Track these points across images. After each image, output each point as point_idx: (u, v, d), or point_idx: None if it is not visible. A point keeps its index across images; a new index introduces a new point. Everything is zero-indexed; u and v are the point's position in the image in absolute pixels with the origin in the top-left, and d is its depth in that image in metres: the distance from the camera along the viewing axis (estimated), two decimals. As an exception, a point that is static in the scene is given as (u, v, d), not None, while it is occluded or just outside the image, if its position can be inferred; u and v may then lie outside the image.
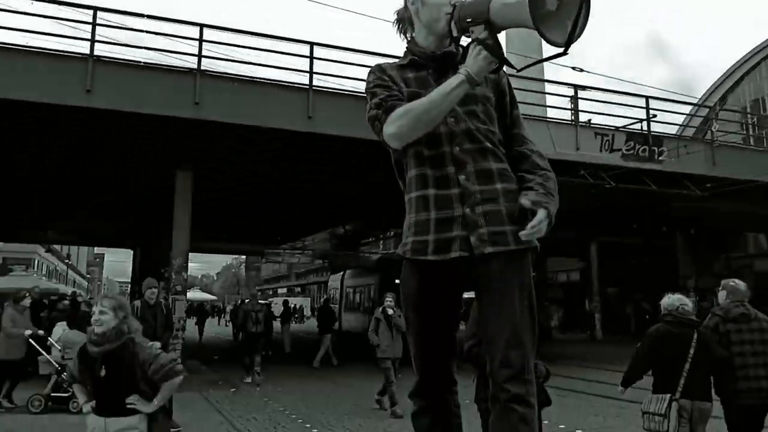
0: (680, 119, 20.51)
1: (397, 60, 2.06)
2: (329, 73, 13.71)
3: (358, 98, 11.57)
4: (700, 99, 27.74)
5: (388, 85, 1.88)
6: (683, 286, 21.51)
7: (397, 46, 2.31)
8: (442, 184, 1.82)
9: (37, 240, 34.50)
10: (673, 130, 17.10)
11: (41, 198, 18.65)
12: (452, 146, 1.86)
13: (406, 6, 2.03)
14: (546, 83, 23.10)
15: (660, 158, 14.75)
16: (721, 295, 4.62)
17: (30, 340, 8.54)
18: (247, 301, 13.72)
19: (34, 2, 10.86)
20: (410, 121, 1.80)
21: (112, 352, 3.28)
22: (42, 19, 10.92)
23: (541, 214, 1.78)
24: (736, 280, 4.63)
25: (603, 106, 15.68)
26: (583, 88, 17.93)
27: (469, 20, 1.76)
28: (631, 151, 14.52)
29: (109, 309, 3.33)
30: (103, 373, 3.28)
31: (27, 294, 9.32)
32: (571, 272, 33.58)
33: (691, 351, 4.21)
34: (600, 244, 26.08)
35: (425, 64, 1.96)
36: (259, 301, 13.53)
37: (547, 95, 21.59)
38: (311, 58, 12.00)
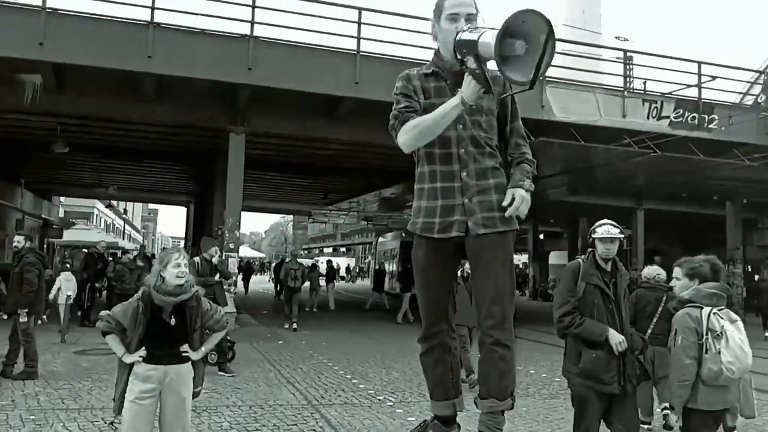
0: (738, 87, 19.83)
1: (425, 65, 2.41)
2: (376, 38, 13.87)
3: (404, 63, 11.80)
4: (762, 65, 26.58)
5: (410, 95, 2.27)
6: (731, 257, 21.20)
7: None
8: (447, 178, 2.23)
9: (97, 196, 36.17)
10: (729, 98, 16.63)
11: (102, 156, 19.66)
12: (459, 148, 2.25)
13: (432, 23, 2.39)
14: (601, 49, 22.64)
15: (710, 126, 14.50)
16: None
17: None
18: (287, 260, 16.40)
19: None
20: (416, 135, 2.26)
21: (184, 302, 3.48)
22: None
23: (517, 196, 2.17)
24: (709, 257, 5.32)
25: (654, 72, 15.44)
26: (633, 53, 17.62)
27: (464, 51, 2.12)
28: (680, 119, 14.32)
29: (185, 262, 3.53)
30: (172, 321, 3.45)
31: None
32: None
33: (660, 308, 5.69)
34: (647, 212, 25.70)
35: (445, 76, 2.32)
36: (298, 260, 15.60)
37: (599, 61, 21.25)
38: (359, 23, 12.25)
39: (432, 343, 2.32)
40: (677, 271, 3.86)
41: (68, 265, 12.07)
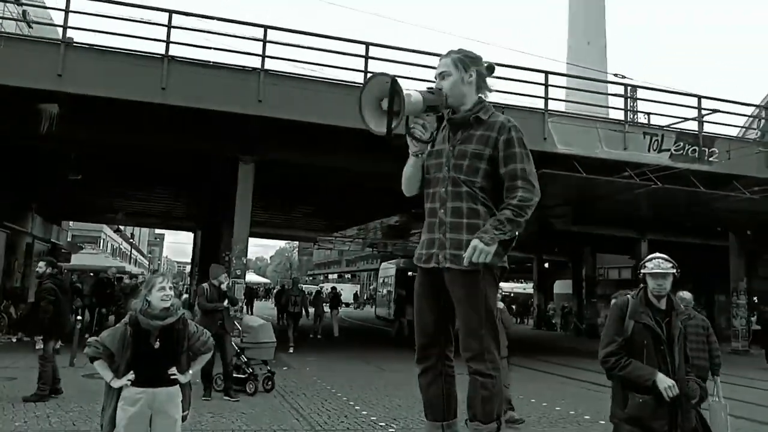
0: (738, 121, 20.16)
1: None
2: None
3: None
4: (763, 101, 26.92)
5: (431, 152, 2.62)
6: (734, 288, 21.25)
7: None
8: (432, 214, 2.49)
9: (106, 221, 36.55)
10: (729, 131, 16.89)
11: (114, 182, 20.04)
12: (440, 188, 2.48)
13: None
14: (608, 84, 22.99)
15: (710, 159, 14.74)
16: None
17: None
18: (288, 288, 18.27)
19: (114, 5, 11.86)
20: (403, 182, 2.70)
21: (171, 326, 3.54)
22: (119, 20, 11.91)
23: (471, 246, 2.34)
24: (684, 292, 6.46)
25: (655, 106, 15.76)
26: (635, 86, 17.97)
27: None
28: (680, 152, 14.56)
29: (170, 286, 3.61)
30: (157, 345, 3.49)
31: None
32: (623, 269, 33.22)
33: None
34: (651, 243, 25.83)
35: (445, 124, 2.58)
36: (299, 287, 17.36)
37: (600, 95, 21.63)
38: (366, 57, 12.65)
39: (425, 365, 2.51)
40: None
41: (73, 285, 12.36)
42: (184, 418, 3.61)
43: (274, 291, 39.71)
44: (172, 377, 3.51)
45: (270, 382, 8.60)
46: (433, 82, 2.61)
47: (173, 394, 3.53)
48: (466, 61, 2.57)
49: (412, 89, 2.45)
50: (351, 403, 8.19)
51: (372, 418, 7.30)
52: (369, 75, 2.45)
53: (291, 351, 13.95)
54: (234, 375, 8.27)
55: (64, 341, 8.09)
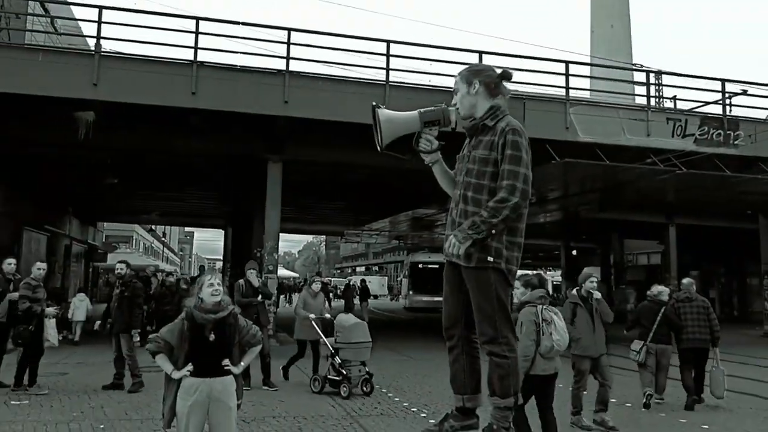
0: (763, 103, 19.84)
1: None
2: (403, 69, 14.47)
3: (432, 92, 12.41)
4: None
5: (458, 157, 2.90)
6: (766, 271, 21.03)
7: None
8: (450, 214, 2.80)
9: (139, 221, 37.53)
10: (755, 114, 16.74)
11: (147, 185, 20.67)
12: (457, 190, 2.78)
13: None
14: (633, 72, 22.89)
15: (735, 142, 14.68)
16: None
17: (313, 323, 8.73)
18: (313, 278, 18.75)
19: (143, 14, 12.33)
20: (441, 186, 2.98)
21: (223, 319, 3.82)
22: (149, 29, 12.37)
23: (449, 239, 2.65)
24: (686, 278, 8.66)
25: (679, 91, 15.73)
26: (659, 73, 17.91)
27: None
28: (705, 136, 14.54)
29: (218, 282, 3.90)
30: (212, 337, 3.77)
31: (314, 278, 9.88)
32: (652, 255, 32.92)
33: (659, 318, 7.76)
34: (679, 227, 25.63)
35: (467, 134, 2.86)
36: (321, 279, 17.35)
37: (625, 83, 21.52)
38: (388, 55, 12.92)
39: (450, 345, 2.82)
40: (517, 283, 4.92)
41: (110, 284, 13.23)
42: (238, 407, 3.89)
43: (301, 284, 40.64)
44: (225, 368, 3.77)
45: (368, 384, 8.14)
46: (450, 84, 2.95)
47: (228, 384, 3.79)
48: (469, 75, 2.82)
49: (407, 111, 2.79)
50: (384, 390, 8.52)
51: (404, 404, 7.63)
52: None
53: None
54: (329, 377, 8.17)
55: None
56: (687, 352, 8.00)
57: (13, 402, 7.14)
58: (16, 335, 7.76)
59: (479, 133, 2.78)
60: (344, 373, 7.97)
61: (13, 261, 8.30)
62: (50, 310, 7.99)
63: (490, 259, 2.62)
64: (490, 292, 2.61)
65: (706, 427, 6.78)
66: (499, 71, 2.91)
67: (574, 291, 6.82)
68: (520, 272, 4.24)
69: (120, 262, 8.83)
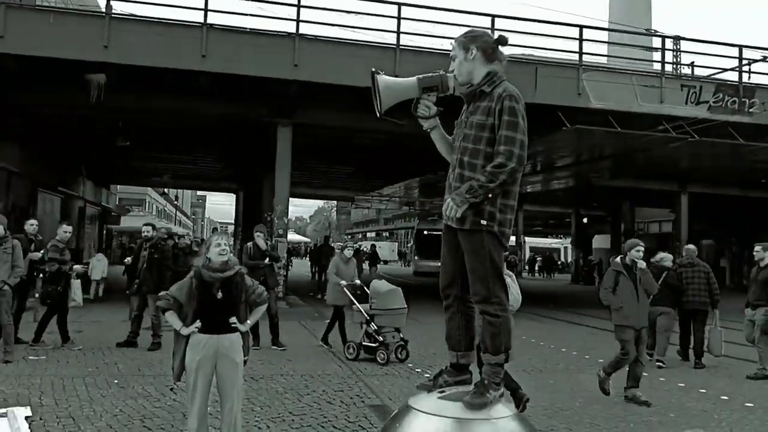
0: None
1: None
2: (415, 32, 14.29)
3: (443, 55, 12.29)
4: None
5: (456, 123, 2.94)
6: (777, 239, 20.90)
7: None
8: (447, 179, 2.84)
9: (152, 184, 37.83)
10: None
11: (159, 147, 20.81)
12: (454, 155, 2.83)
13: None
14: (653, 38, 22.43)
15: (750, 110, 14.47)
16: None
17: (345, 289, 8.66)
18: (320, 244, 22.11)
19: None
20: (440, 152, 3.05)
21: (230, 278, 3.95)
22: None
23: (446, 201, 2.71)
24: (689, 245, 9.66)
25: (695, 57, 15.44)
26: (679, 38, 17.56)
27: None
28: (720, 103, 14.33)
29: (227, 243, 4.04)
30: (220, 295, 3.91)
31: (348, 244, 9.65)
32: (664, 223, 32.75)
33: (659, 282, 7.63)
34: (692, 195, 25.46)
35: (465, 100, 2.90)
36: (329, 243, 20.72)
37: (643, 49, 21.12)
38: (399, 18, 12.78)
39: (446, 304, 2.94)
40: None
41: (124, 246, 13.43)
42: (244, 362, 4.04)
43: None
44: (233, 325, 3.92)
45: (404, 351, 8.05)
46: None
47: (235, 341, 3.94)
48: (466, 41, 2.82)
49: (405, 78, 2.82)
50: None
51: (409, 365, 7.82)
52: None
53: (321, 297, 15.49)
54: (363, 343, 8.06)
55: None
56: (688, 314, 8.67)
57: (31, 357, 7.40)
58: (45, 295, 8.08)
59: (476, 99, 2.81)
60: (381, 339, 7.85)
61: (35, 222, 8.60)
62: (77, 267, 8.27)
63: (484, 222, 2.68)
64: (484, 254, 2.69)
65: (704, 391, 6.92)
66: (495, 37, 2.93)
67: (618, 258, 6.54)
68: None
69: (146, 224, 9.12)
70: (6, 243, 7.20)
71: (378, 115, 2.80)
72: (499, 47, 2.87)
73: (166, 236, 9.57)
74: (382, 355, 7.78)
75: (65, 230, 8.30)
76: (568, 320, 14.14)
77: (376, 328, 7.92)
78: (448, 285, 2.90)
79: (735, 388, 7.09)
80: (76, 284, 8.32)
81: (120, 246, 33.80)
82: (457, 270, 2.84)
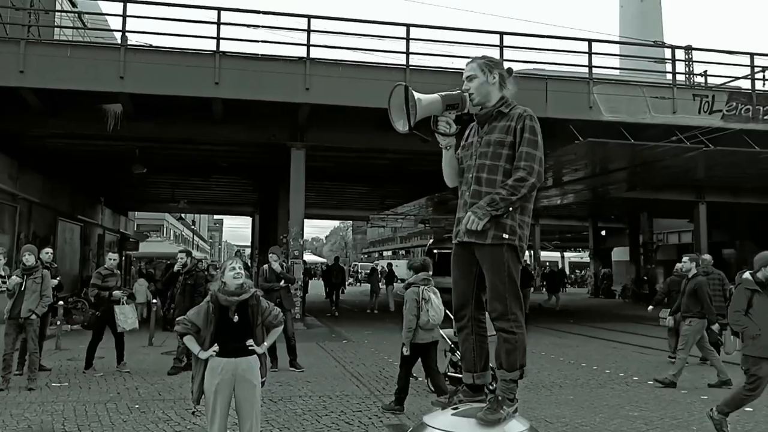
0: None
1: None
2: (424, 53, 14.43)
3: (453, 74, 12.39)
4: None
5: (463, 145, 3.00)
6: (799, 248, 20.54)
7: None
8: (462, 196, 2.90)
9: (169, 210, 38.26)
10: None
11: (175, 174, 21.09)
12: (468, 174, 2.87)
13: None
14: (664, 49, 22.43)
15: (765, 118, 14.37)
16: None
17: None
18: (330, 264, 23.60)
19: (165, 6, 12.57)
20: (444, 176, 3.12)
21: (246, 301, 4.01)
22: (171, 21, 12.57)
23: (467, 215, 2.76)
24: (705, 254, 10.36)
25: (707, 67, 15.40)
26: (691, 49, 17.53)
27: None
28: (733, 112, 14.26)
29: (239, 266, 4.07)
30: (236, 318, 3.97)
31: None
32: (683, 233, 32.34)
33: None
34: (710, 205, 25.18)
35: (478, 121, 2.97)
36: (339, 264, 22.12)
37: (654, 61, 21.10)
38: (407, 39, 12.93)
39: (459, 325, 2.95)
40: (407, 265, 6.43)
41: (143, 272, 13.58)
42: (262, 384, 4.09)
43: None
44: (250, 348, 3.98)
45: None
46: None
47: (253, 363, 3.99)
48: (490, 65, 2.95)
49: (429, 94, 2.86)
50: (407, 371, 8.68)
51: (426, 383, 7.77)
52: (393, 85, 2.89)
53: (335, 314, 17.94)
54: (449, 373, 7.06)
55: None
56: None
57: (54, 384, 7.50)
58: (85, 320, 8.34)
59: (493, 119, 2.90)
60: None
61: (50, 250, 8.84)
62: (117, 293, 8.43)
63: (506, 236, 2.74)
64: (503, 269, 2.74)
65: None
66: (506, 68, 3.07)
67: (747, 274, 5.50)
68: (408, 259, 4.49)
69: (181, 252, 9.37)
70: (36, 273, 7.38)
71: (406, 129, 2.80)
72: (510, 77, 3.04)
73: (197, 261, 9.74)
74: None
75: (110, 258, 8.75)
76: (588, 335, 14.00)
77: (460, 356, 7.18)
78: (461, 307, 2.92)
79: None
80: (125, 309, 8.47)
81: (138, 272, 34.09)
82: (470, 291, 2.88)
